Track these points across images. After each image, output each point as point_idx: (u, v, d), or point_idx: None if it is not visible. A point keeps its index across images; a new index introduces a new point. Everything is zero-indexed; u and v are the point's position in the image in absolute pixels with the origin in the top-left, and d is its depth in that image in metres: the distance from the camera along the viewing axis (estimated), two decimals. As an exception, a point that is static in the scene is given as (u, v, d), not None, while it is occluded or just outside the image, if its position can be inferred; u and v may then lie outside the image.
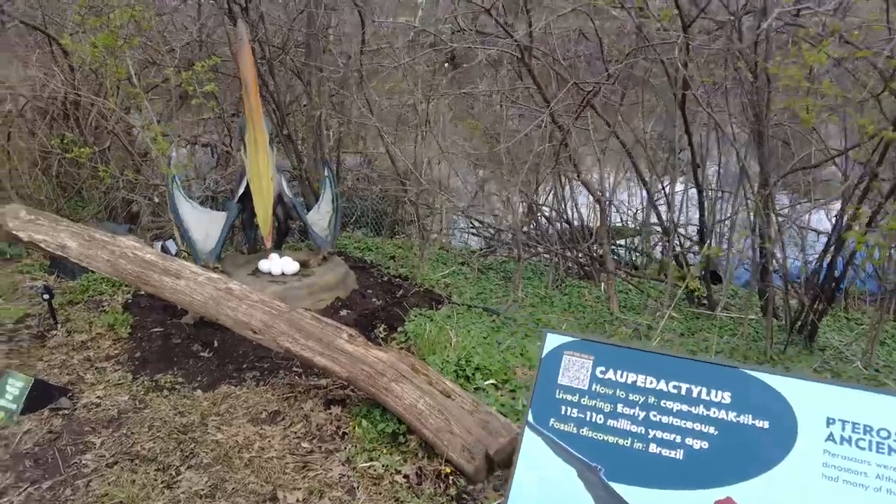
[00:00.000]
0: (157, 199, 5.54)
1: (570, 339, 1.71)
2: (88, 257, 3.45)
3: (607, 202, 4.28)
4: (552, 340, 1.78)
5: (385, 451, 2.59)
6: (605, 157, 5.66)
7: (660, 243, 5.78)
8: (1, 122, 5.95)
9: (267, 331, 2.93)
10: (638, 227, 6.15)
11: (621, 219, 6.09)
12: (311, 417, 2.88)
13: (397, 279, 4.89)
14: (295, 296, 3.97)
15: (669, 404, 1.56)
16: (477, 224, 6.50)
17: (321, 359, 2.79)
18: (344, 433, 2.76)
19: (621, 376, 1.61)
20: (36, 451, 2.69)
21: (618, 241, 6.62)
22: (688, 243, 5.33)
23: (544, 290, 4.80)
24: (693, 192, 5.05)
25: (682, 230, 5.55)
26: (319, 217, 4.98)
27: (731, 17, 3.16)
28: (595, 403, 1.61)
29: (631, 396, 1.59)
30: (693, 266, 4.20)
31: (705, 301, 4.72)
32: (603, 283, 5.03)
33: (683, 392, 1.56)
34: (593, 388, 1.62)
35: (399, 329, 3.81)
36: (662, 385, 1.58)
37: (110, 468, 2.57)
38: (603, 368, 1.64)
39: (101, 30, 4.66)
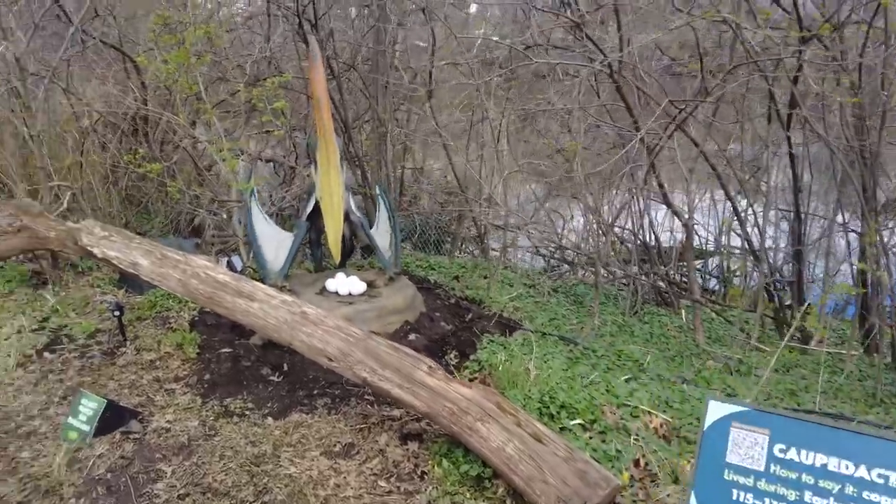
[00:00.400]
0: (224, 215, 5.52)
1: (738, 408, 1.46)
2: (160, 276, 3.40)
3: (693, 224, 4.00)
4: (716, 409, 1.50)
5: (469, 495, 2.40)
6: (677, 175, 5.38)
7: (740, 267, 5.43)
8: (77, 137, 6.09)
9: (343, 359, 2.79)
10: (716, 249, 5.81)
11: (698, 240, 5.76)
12: (387, 453, 2.72)
13: (465, 301, 4.73)
14: (364, 318, 3.85)
15: (875, 497, 1.29)
16: (541, 242, 6.28)
17: (400, 392, 2.62)
18: (423, 472, 2.58)
19: (807, 457, 1.34)
20: (108, 477, 2.62)
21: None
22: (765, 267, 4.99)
23: (621, 317, 4.54)
24: (770, 213, 4.71)
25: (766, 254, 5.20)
26: (380, 236, 4.89)
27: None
28: (776, 489, 1.35)
29: (822, 484, 1.32)
30: (811, 305, 3.87)
31: (798, 333, 4.37)
32: (683, 311, 4.73)
33: (893, 483, 1.27)
34: (772, 470, 1.37)
35: (471, 357, 3.62)
36: (863, 472, 1.30)
37: (182, 500, 2.46)
38: (783, 446, 1.38)
39: (175, 47, 4.71)
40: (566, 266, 6.22)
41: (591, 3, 4.52)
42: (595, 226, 4.50)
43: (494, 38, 4.66)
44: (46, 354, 3.69)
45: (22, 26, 4.78)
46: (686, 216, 4.10)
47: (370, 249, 4.81)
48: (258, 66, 5.89)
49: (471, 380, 3.31)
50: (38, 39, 5.63)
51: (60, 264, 4.89)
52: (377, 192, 5.14)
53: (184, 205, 5.94)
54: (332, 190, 4.08)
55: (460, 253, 6.97)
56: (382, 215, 4.95)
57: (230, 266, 5.31)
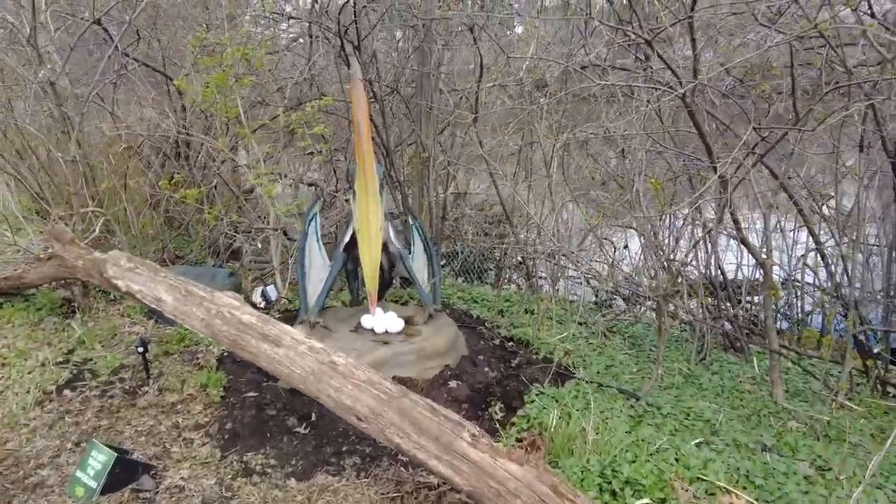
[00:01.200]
0: (259, 244, 5.33)
1: None
2: (184, 314, 3.17)
3: (771, 265, 3.54)
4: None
5: None
6: (743, 202, 4.91)
7: (819, 307, 4.89)
8: (113, 161, 6.05)
9: (374, 420, 2.46)
10: (788, 284, 5.28)
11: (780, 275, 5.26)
12: (422, 532, 2.36)
13: (510, 343, 4.39)
14: (401, 362, 3.58)
15: None
16: (593, 275, 5.87)
17: (438, 464, 2.27)
18: (463, 561, 2.21)
19: None
20: (111, 546, 2.34)
21: (753, 299, 5.76)
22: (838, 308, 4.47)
23: (686, 364, 4.08)
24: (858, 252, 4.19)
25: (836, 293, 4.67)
26: (417, 269, 4.64)
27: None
28: None
29: None
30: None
31: (891, 389, 3.82)
32: (755, 357, 4.24)
33: None
34: None
35: (519, 412, 3.25)
36: None
37: (188, 581, 2.16)
38: None
39: (215, 69, 4.57)
40: (621, 302, 5.78)
41: (651, 18, 4.17)
42: (656, 259, 4.08)
43: (548, 59, 4.33)
44: (66, 392, 3.49)
45: (59, 49, 4.71)
46: (763, 254, 3.65)
47: (410, 280, 4.56)
48: (300, 89, 5.73)
49: (518, 440, 2.93)
50: (81, 63, 5.61)
51: (91, 292, 4.75)
52: (409, 220, 4.94)
53: (222, 229, 5.79)
54: (370, 219, 3.82)
55: (507, 283, 6.62)
56: (417, 247, 4.74)
57: (265, 296, 5.13)
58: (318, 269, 4.34)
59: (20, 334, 4.08)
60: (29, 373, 3.67)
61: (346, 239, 4.25)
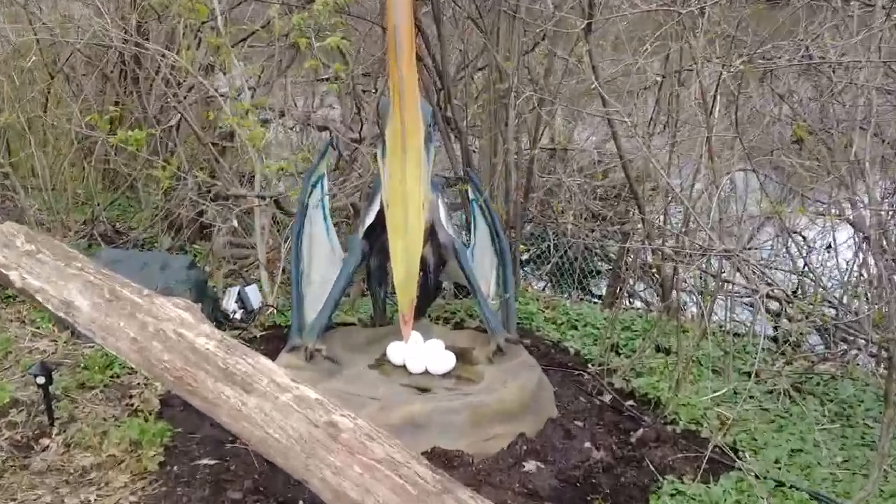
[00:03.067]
0: (235, 220, 5.32)
1: None
2: (105, 330, 3.14)
3: None
4: None
5: None
6: None
7: None
8: (29, 81, 6.17)
9: (396, 531, 2.31)
10: None
11: None
12: None
13: (630, 401, 4.29)
14: (449, 424, 3.54)
15: None
16: (769, 291, 5.66)
17: None
18: None
19: None
20: None
21: None
22: None
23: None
24: None
25: None
26: (480, 272, 4.63)
27: None
28: None
29: None
30: None
31: None
32: None
33: None
34: None
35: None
36: None
37: None
38: None
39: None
40: (818, 339, 5.58)
41: None
42: (885, 272, 3.86)
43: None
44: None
45: None
46: None
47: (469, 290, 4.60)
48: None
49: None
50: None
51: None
52: (469, 193, 4.95)
53: (184, 194, 5.83)
54: (408, 189, 3.72)
55: (627, 298, 6.53)
56: (480, 235, 4.75)
57: (242, 302, 5.20)
58: (324, 264, 4.38)
59: None
60: None
61: (371, 219, 4.25)
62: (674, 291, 4.79)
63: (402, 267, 3.83)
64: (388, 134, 3.74)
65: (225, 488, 3.25)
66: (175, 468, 3.39)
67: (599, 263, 8.13)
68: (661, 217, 5.28)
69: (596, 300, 7.22)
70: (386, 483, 2.41)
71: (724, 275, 4.85)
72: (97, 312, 3.19)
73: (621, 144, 5.33)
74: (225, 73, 5.20)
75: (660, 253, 5.07)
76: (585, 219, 7.74)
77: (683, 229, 5.03)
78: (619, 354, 4.94)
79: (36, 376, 3.61)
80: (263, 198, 5.05)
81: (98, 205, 6.44)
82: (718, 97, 4.45)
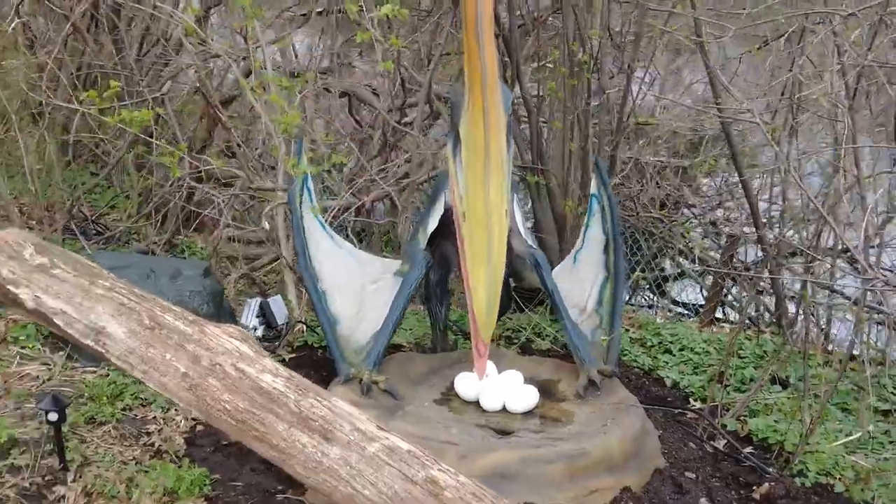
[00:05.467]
0: (266, 223, 5.51)
1: None
2: (147, 363, 3.34)
3: None
4: None
5: None
6: None
7: None
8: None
9: None
10: None
11: None
12: None
13: (747, 446, 4.46)
14: (540, 477, 3.70)
15: None
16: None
17: None
18: None
19: None
20: None
21: None
22: None
23: None
24: None
25: None
26: (576, 283, 4.86)
27: None
28: None
29: None
30: None
31: None
32: None
33: None
34: None
35: None
36: None
37: None
38: None
39: None
40: None
41: None
42: None
43: None
44: None
45: None
46: None
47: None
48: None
49: None
50: None
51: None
52: (593, 187, 5.08)
53: (181, 180, 5.97)
54: (490, 202, 3.96)
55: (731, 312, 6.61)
56: (591, 238, 4.92)
57: (264, 315, 5.38)
58: (343, 275, 4.58)
59: None
60: None
61: (434, 224, 4.48)
62: (796, 309, 4.96)
63: (483, 294, 4.03)
64: (466, 131, 3.94)
65: (289, 548, 3.47)
66: (224, 524, 3.58)
67: (681, 259, 8.35)
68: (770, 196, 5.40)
69: (679, 308, 7.45)
70: (501, 552, 2.69)
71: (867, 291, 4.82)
72: (136, 342, 3.38)
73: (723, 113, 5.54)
74: (246, 40, 5.31)
75: (772, 255, 5.25)
76: (666, 208, 7.94)
77: (801, 225, 5.19)
78: (725, 387, 5.02)
79: (47, 412, 3.74)
80: (286, 190, 5.19)
81: (73, 191, 6.61)
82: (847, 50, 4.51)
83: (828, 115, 4.88)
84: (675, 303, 8.16)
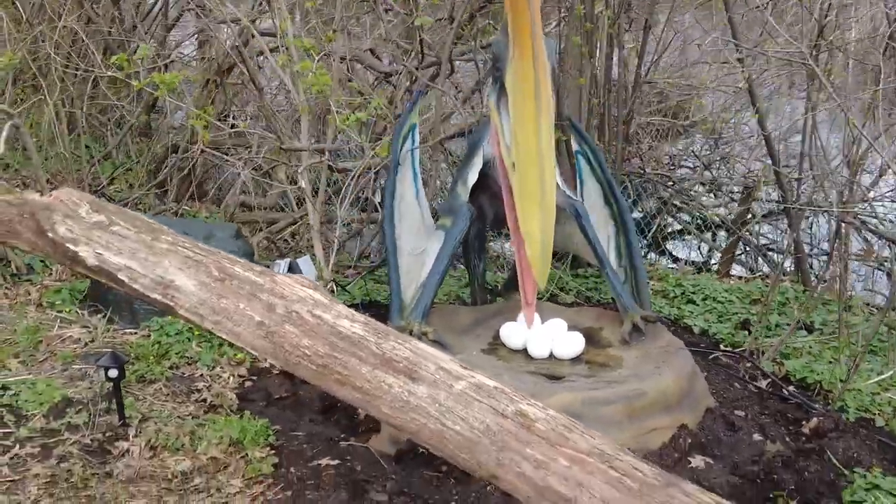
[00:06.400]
0: (303, 181, 5.48)
1: None
2: (219, 314, 3.37)
3: None
4: None
5: None
6: None
7: None
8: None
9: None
10: None
11: None
12: None
13: (787, 385, 4.60)
14: (600, 418, 3.76)
15: None
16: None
17: None
18: None
19: None
20: None
21: None
22: None
23: None
24: None
25: None
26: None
27: None
28: None
29: None
30: None
31: None
32: None
33: None
34: None
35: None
36: None
37: None
38: None
39: None
40: None
41: None
42: None
43: None
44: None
45: None
46: None
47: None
48: None
49: None
50: None
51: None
52: (574, 144, 5.16)
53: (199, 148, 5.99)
54: (543, 147, 4.00)
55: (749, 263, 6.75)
56: (589, 191, 4.99)
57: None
58: (413, 232, 4.62)
59: None
60: None
61: (475, 177, 4.52)
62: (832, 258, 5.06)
63: (539, 238, 4.07)
64: (513, 79, 3.97)
65: (365, 489, 3.52)
66: (293, 471, 3.64)
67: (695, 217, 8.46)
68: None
69: (702, 265, 7.55)
70: (599, 476, 2.71)
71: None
72: (207, 293, 3.41)
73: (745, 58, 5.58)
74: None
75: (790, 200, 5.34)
76: (670, 166, 8.04)
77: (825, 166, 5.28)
78: (749, 332, 5.21)
79: (107, 369, 3.83)
80: (322, 152, 5.27)
81: (89, 159, 6.63)
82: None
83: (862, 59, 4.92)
84: (676, 259, 8.28)
